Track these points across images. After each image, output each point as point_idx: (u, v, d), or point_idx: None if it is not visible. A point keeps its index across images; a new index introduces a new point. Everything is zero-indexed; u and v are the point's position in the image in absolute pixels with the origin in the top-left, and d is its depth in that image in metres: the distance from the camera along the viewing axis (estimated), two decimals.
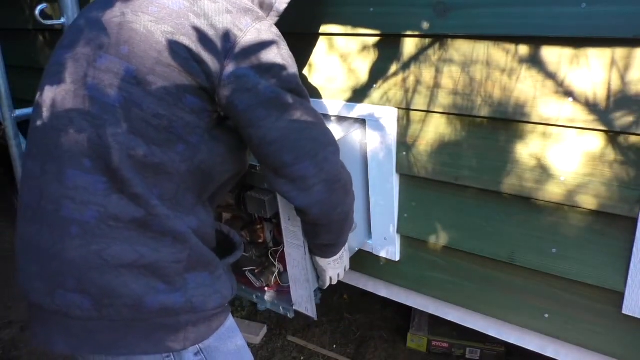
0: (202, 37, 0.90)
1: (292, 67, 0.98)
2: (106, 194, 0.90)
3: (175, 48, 0.90)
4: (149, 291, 0.92)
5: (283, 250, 1.39)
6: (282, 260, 1.45)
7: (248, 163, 1.12)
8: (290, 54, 1.00)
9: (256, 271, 1.49)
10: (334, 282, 1.37)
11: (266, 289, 1.51)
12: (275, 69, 0.94)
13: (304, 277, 1.30)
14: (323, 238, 1.19)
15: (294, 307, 1.41)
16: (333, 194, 1.06)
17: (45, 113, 0.95)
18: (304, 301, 1.35)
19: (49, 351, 0.98)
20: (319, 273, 1.33)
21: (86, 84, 0.91)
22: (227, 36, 0.91)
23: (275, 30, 0.99)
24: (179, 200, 0.96)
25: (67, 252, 0.90)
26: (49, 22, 1.72)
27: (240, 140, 1.03)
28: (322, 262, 1.29)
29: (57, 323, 0.94)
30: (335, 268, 1.32)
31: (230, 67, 0.91)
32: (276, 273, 1.47)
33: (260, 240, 1.47)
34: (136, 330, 0.94)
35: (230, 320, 1.09)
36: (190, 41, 0.90)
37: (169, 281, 0.94)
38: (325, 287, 1.36)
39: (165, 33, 0.90)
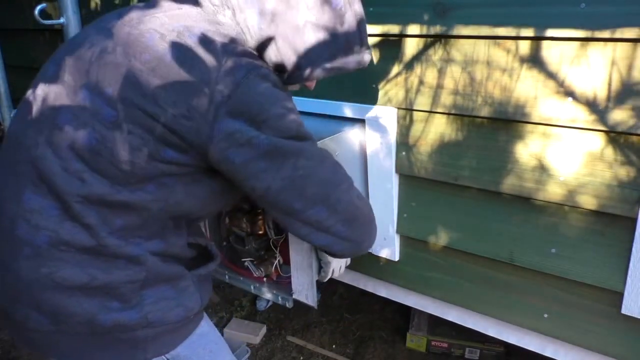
0: (192, 91, 0.84)
1: (292, 113, 0.92)
2: (59, 220, 0.88)
3: (162, 101, 0.84)
4: (101, 309, 0.91)
5: (284, 240, 1.39)
6: (283, 252, 1.45)
7: (234, 202, 1.09)
8: (289, 98, 0.94)
9: (255, 262, 1.50)
10: (336, 274, 1.35)
11: (265, 279, 1.51)
12: (271, 120, 0.88)
13: (307, 263, 1.30)
14: (345, 257, 1.18)
15: (293, 296, 1.40)
16: (355, 231, 1.04)
17: (19, 126, 0.94)
18: (304, 288, 1.35)
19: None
20: (322, 264, 1.31)
21: (60, 113, 0.88)
22: (218, 90, 0.85)
23: (272, 77, 0.92)
24: (143, 228, 0.93)
25: (21, 271, 0.90)
26: (48, 22, 1.73)
27: (227, 184, 0.97)
28: (328, 256, 1.28)
29: (21, 332, 0.96)
30: (340, 261, 1.32)
31: (221, 123, 0.85)
32: (276, 263, 1.47)
33: (260, 232, 1.47)
34: (94, 343, 0.94)
35: (203, 327, 1.07)
36: (178, 95, 0.84)
37: (124, 299, 0.92)
38: (326, 280, 1.35)
39: (153, 85, 0.85)
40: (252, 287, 1.52)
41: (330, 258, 1.28)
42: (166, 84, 0.84)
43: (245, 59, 0.89)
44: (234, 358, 1.12)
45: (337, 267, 1.33)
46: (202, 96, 0.84)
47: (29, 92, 0.96)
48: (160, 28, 0.88)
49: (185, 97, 0.84)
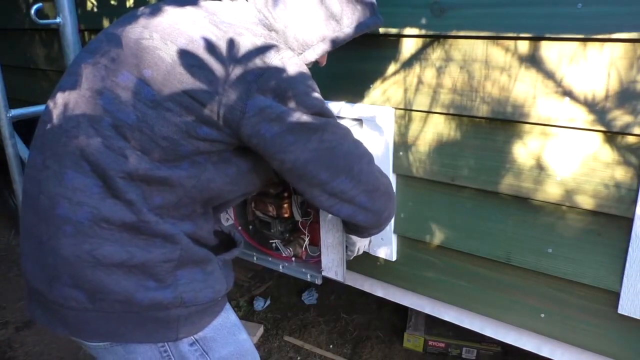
0: (226, 72, 0.91)
1: (315, 92, 0.99)
2: (101, 198, 0.92)
3: (199, 82, 0.91)
4: (139, 288, 0.95)
5: (311, 222, 1.47)
6: (310, 233, 1.53)
7: (259, 185, 1.14)
8: (313, 80, 1.01)
9: (283, 243, 1.57)
10: (361, 252, 1.45)
11: (293, 259, 1.58)
12: (298, 96, 0.95)
13: (337, 241, 1.36)
14: (368, 231, 1.24)
15: (323, 273, 1.46)
16: (376, 201, 1.11)
17: (56, 111, 0.98)
18: (334, 265, 1.41)
19: (51, 333, 1.04)
20: (348, 244, 1.39)
21: (102, 94, 0.94)
22: (250, 69, 0.92)
23: (296, 60, 0.99)
24: (177, 209, 0.99)
25: (62, 249, 0.93)
26: (44, 22, 1.72)
27: (253, 164, 1.05)
28: (354, 237, 1.35)
29: (56, 311, 0.98)
30: (363, 241, 1.40)
31: (253, 100, 0.92)
32: (306, 243, 1.53)
33: (286, 215, 1.53)
34: (129, 321, 0.98)
35: (226, 311, 1.13)
36: (213, 76, 0.91)
37: (160, 279, 0.97)
38: (352, 258, 1.43)
39: (191, 66, 0.91)
40: (280, 267, 1.58)
41: (355, 239, 1.36)
42: (202, 64, 0.91)
43: (272, 41, 0.97)
44: (250, 338, 1.18)
45: (362, 245, 1.42)
46: (236, 76, 0.91)
47: (68, 74, 1.01)
48: (191, 15, 0.97)
49: (220, 77, 0.91)
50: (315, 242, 1.51)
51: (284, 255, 1.56)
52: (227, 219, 1.66)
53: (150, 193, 0.95)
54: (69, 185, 0.92)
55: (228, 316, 1.13)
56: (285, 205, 1.51)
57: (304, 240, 1.54)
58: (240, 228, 1.66)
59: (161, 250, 0.96)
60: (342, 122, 1.45)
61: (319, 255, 1.45)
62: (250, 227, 1.67)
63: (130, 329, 0.98)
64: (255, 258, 1.64)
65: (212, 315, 1.07)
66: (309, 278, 1.51)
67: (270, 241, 1.59)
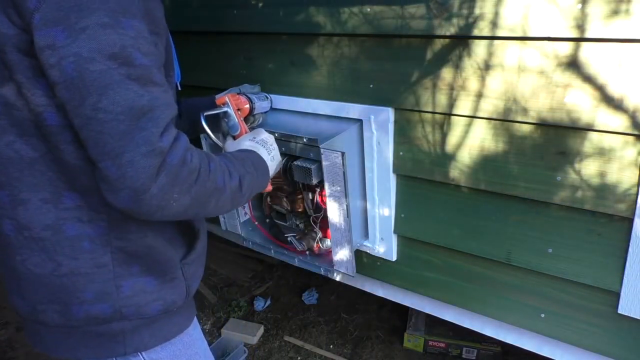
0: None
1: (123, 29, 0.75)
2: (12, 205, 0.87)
3: None
4: (73, 300, 0.89)
5: (324, 217, 1.49)
6: (322, 227, 1.57)
7: None
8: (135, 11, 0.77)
9: (297, 237, 1.60)
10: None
11: (307, 253, 1.61)
12: (90, 28, 0.72)
13: (346, 239, 1.39)
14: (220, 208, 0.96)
15: (335, 268, 1.49)
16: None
17: None
18: (344, 262, 1.44)
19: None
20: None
21: None
22: None
23: None
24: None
25: (6, 260, 0.91)
26: None
27: None
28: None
29: (29, 326, 0.99)
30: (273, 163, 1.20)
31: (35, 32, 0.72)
32: (317, 238, 1.57)
33: (299, 209, 1.59)
34: (73, 335, 0.93)
35: (191, 336, 1.04)
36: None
37: (96, 289, 0.89)
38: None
39: None
40: (296, 260, 1.62)
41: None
42: None
43: None
44: None
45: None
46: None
47: None
48: None
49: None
50: (328, 235, 1.55)
51: (298, 249, 1.59)
52: (245, 213, 1.72)
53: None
54: None
55: (193, 343, 1.04)
56: (299, 201, 1.57)
57: (317, 234, 1.58)
58: (256, 224, 1.71)
59: (89, 255, 0.88)
60: (340, 122, 1.46)
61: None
62: (267, 220, 1.73)
63: (75, 344, 0.93)
64: (272, 251, 1.69)
65: (168, 332, 0.98)
66: (322, 272, 1.54)
67: (285, 235, 1.63)
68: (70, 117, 0.76)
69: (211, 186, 0.86)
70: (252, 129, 1.33)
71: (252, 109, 1.43)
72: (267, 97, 1.55)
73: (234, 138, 1.25)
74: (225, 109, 1.26)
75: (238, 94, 1.43)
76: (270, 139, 1.21)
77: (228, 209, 0.95)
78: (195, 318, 1.09)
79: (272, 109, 1.58)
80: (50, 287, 0.89)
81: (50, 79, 0.74)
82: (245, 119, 1.41)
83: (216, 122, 1.30)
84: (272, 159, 1.17)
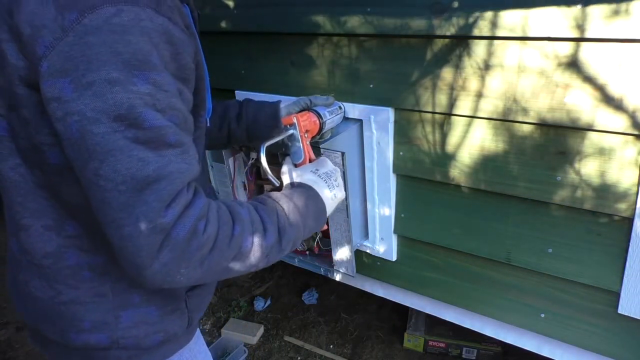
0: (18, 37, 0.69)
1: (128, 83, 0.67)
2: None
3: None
4: (71, 328, 0.88)
5: None
6: None
7: None
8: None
9: None
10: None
11: (307, 253, 1.60)
12: (97, 84, 0.65)
13: (346, 240, 1.38)
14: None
15: (335, 268, 1.48)
16: None
17: None
18: (344, 262, 1.44)
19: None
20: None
21: None
22: (42, 38, 0.66)
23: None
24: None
25: (15, 273, 0.92)
26: None
27: None
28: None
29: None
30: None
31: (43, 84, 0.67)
32: (317, 238, 1.55)
33: None
34: (75, 356, 0.92)
35: (190, 351, 1.00)
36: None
37: (95, 319, 0.87)
38: None
39: None
40: (296, 260, 1.61)
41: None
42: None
43: None
44: None
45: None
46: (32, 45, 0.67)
47: None
48: None
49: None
50: (327, 235, 1.53)
51: (298, 249, 1.58)
52: None
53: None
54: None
55: (193, 357, 1.00)
56: None
57: (317, 234, 1.56)
58: None
59: (89, 284, 0.86)
60: (341, 121, 1.46)
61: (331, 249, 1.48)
62: None
63: None
64: None
65: (167, 350, 0.95)
66: (322, 272, 1.54)
67: None
68: (77, 174, 0.72)
69: (231, 254, 0.78)
70: (318, 144, 1.22)
71: (321, 128, 1.23)
72: (340, 108, 1.36)
73: (295, 165, 1.09)
74: (291, 131, 1.07)
75: (307, 109, 1.24)
76: (335, 172, 1.06)
77: (263, 265, 0.85)
78: (197, 331, 1.05)
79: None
80: (49, 313, 0.88)
81: (57, 130, 0.69)
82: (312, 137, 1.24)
83: (275, 145, 1.09)
84: (334, 197, 1.03)
